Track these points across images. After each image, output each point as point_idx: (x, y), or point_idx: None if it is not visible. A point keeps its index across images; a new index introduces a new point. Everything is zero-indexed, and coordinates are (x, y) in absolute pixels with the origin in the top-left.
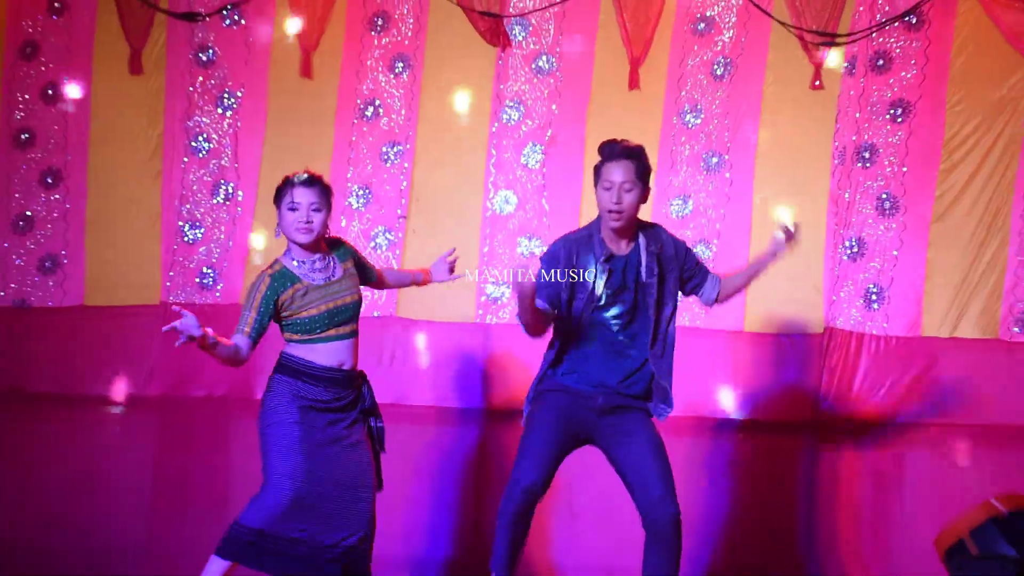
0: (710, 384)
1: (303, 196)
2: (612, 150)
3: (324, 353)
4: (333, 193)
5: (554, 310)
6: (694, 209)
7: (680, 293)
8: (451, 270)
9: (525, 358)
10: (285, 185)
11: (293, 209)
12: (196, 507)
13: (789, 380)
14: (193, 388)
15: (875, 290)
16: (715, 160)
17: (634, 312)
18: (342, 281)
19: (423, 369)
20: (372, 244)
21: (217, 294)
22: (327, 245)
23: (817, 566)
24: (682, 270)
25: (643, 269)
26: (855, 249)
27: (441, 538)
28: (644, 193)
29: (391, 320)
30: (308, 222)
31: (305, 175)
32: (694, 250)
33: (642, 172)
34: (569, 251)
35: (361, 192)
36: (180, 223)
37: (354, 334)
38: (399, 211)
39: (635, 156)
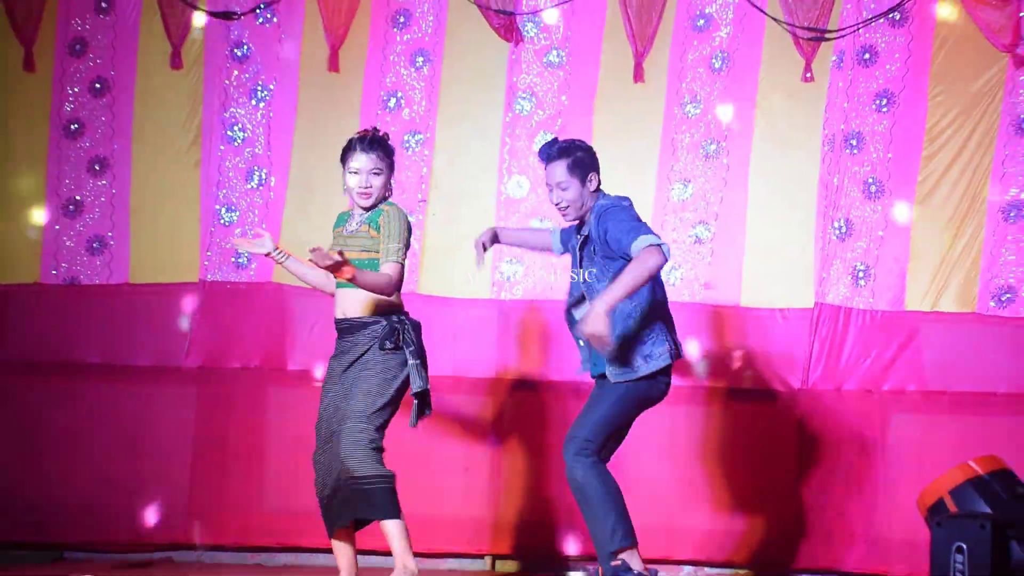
0: (710, 354)
1: (362, 160)
2: (542, 153)
3: (335, 302)
4: (394, 151)
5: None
6: (694, 193)
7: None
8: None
9: (536, 332)
10: (349, 147)
11: (354, 172)
12: (233, 469)
13: (782, 351)
14: (229, 359)
15: (862, 268)
16: (713, 147)
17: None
18: (355, 236)
19: (442, 342)
20: None
21: (251, 273)
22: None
23: (806, 525)
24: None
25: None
26: (843, 230)
27: (468, 496)
28: (586, 184)
29: (412, 296)
30: (367, 187)
31: (369, 138)
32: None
33: (574, 165)
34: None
35: None
36: (217, 207)
37: (356, 287)
38: (420, 196)
39: (564, 154)
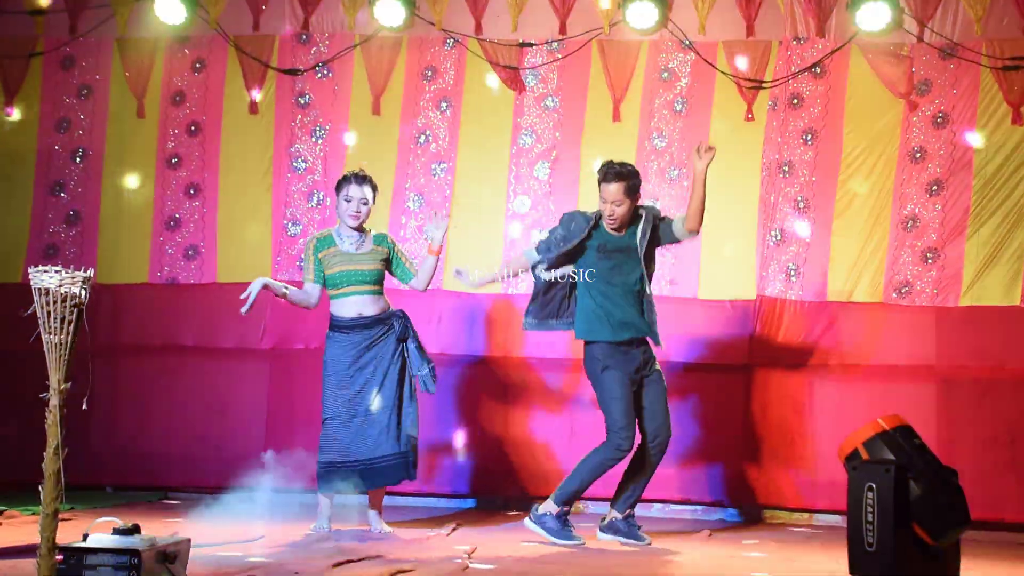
0: (674, 337)
1: (356, 191)
2: (606, 172)
3: (344, 305)
4: (377, 189)
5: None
6: (661, 208)
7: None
8: (437, 217)
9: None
10: (345, 180)
11: (348, 200)
12: (298, 428)
13: (731, 333)
14: (295, 341)
15: (793, 267)
16: (676, 173)
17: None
18: (366, 254)
19: (462, 328)
20: (424, 236)
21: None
22: (370, 231)
23: (751, 470)
24: (656, 232)
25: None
26: (778, 238)
27: (479, 448)
28: (634, 202)
29: (438, 292)
30: (357, 212)
31: (361, 173)
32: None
33: (630, 189)
34: (571, 219)
35: (416, 197)
36: (285, 222)
37: (373, 293)
38: (444, 211)
39: (624, 177)
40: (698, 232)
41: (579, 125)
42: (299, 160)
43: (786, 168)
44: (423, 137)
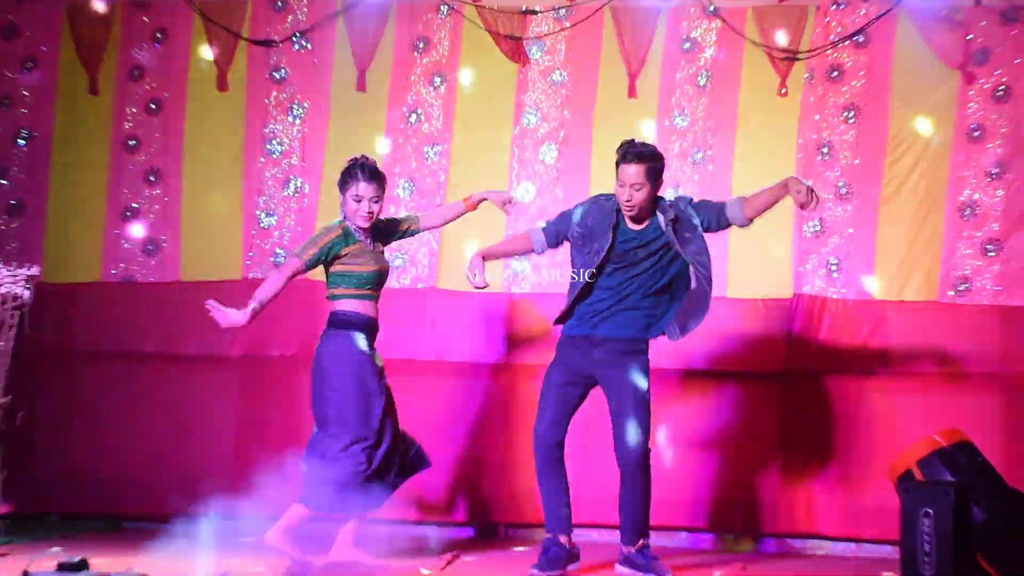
0: (701, 340)
1: (367, 190)
2: (625, 152)
3: (371, 307)
4: (387, 182)
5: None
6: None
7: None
8: (506, 203)
9: (542, 322)
10: (352, 176)
11: (357, 200)
12: (272, 447)
13: (765, 336)
14: (269, 348)
15: (834, 262)
16: (700, 155)
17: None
18: (381, 253)
19: (458, 331)
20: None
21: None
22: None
23: (787, 493)
24: (701, 221)
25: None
26: (818, 228)
27: (474, 472)
28: (655, 188)
29: (431, 291)
30: (369, 212)
31: (370, 168)
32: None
33: (652, 172)
34: (589, 212)
35: (407, 184)
36: (258, 212)
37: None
38: (438, 200)
39: (645, 159)
40: (752, 222)
41: (590, 102)
42: (274, 142)
43: (825, 150)
44: (414, 116)
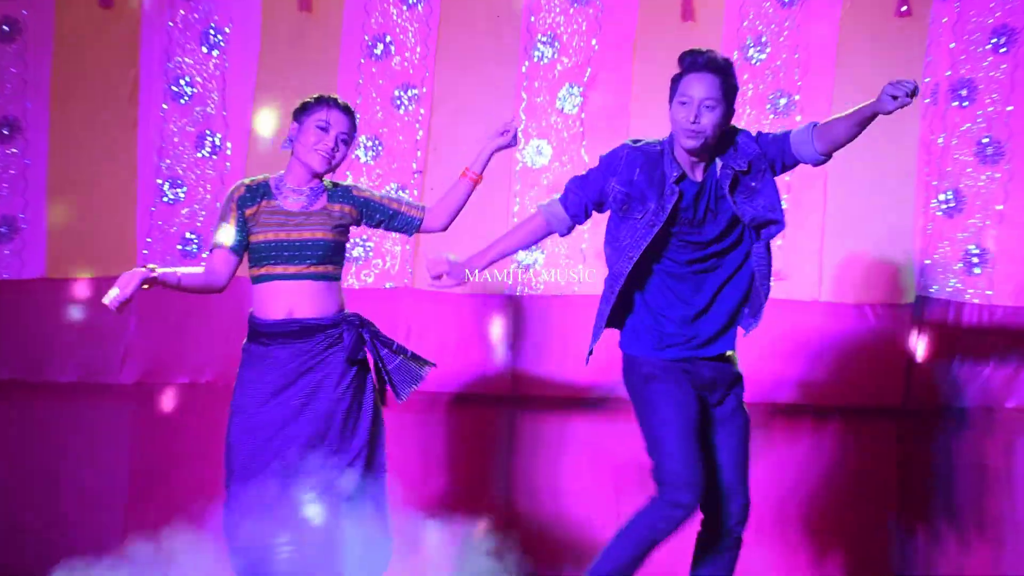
0: (780, 364)
1: (338, 121)
2: (694, 61)
3: (270, 300)
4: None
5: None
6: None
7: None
8: (504, 132)
9: (564, 336)
10: (319, 102)
11: (322, 128)
12: (176, 503)
13: (875, 358)
14: (176, 373)
15: (976, 252)
16: (783, 102)
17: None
18: (315, 215)
19: (443, 350)
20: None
21: (202, 263)
22: (328, 184)
23: (912, 566)
24: (770, 160)
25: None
26: (951, 203)
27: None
28: (728, 114)
29: (405, 293)
30: (333, 149)
31: (345, 103)
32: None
33: (728, 90)
34: (633, 162)
35: (370, 143)
36: (159, 181)
37: (317, 279)
38: (414, 165)
39: (721, 70)
40: (829, 157)
41: (628, 27)
42: (182, 82)
43: (964, 92)
44: (381, 46)
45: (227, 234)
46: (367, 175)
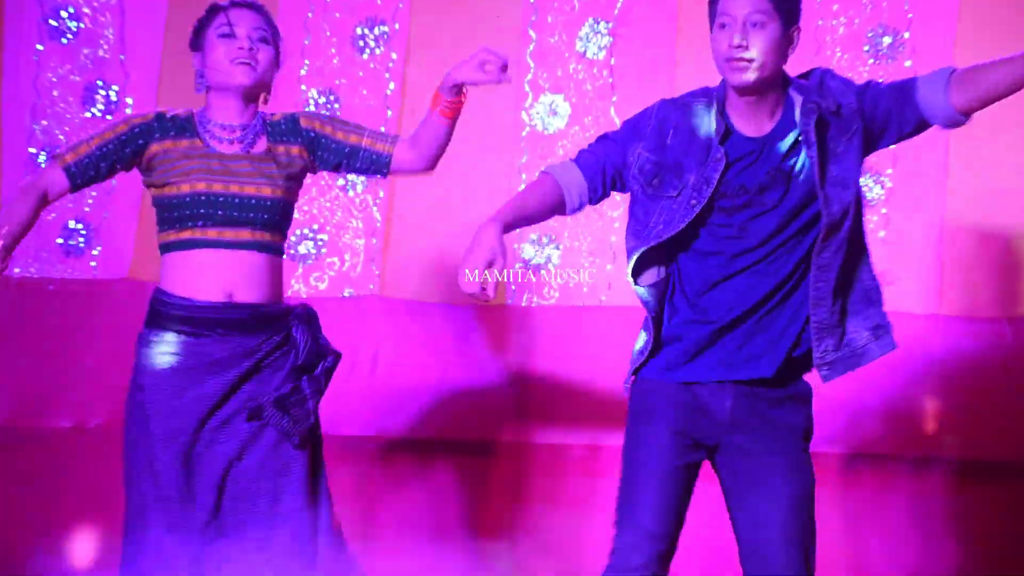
0: (887, 400)
1: (242, 18)
2: None
3: (195, 273)
4: (281, 36)
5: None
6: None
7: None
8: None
9: (584, 362)
10: (208, 13)
11: (228, 35)
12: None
13: (1018, 392)
14: (53, 414)
15: None
16: (888, 40)
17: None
18: (258, 161)
19: (421, 381)
20: (340, 182)
21: (92, 264)
22: (264, 116)
23: None
24: (869, 123)
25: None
26: None
27: None
28: (787, 36)
29: (370, 302)
30: (251, 51)
31: None
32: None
33: (783, 5)
34: (666, 120)
35: (323, 99)
36: (32, 150)
37: (261, 249)
38: (383, 129)
39: None
40: (969, 117)
41: None
42: (64, 14)
43: None
44: None
45: (80, 151)
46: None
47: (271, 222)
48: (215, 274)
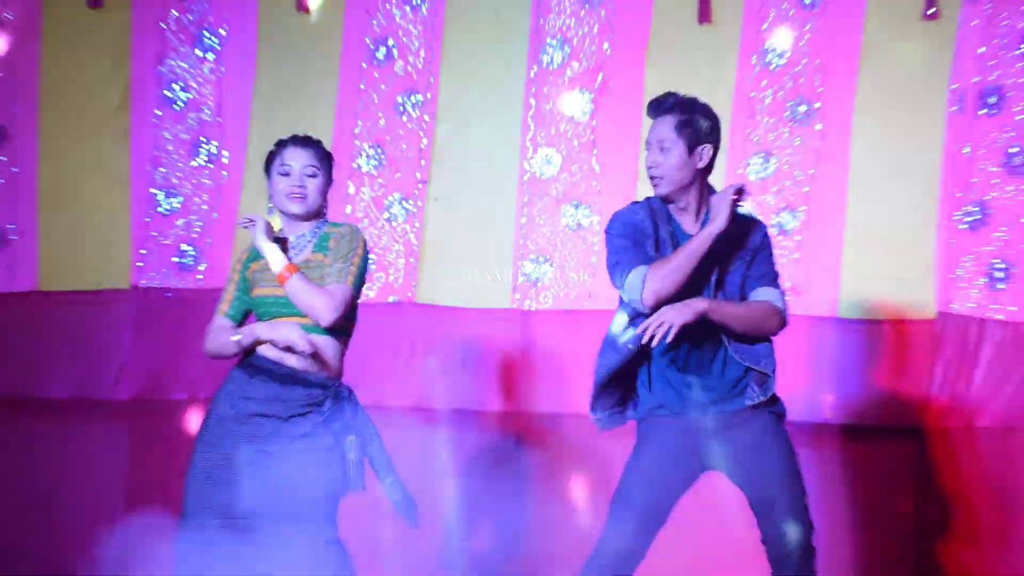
0: (797, 382)
1: (296, 158)
2: (651, 106)
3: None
4: (334, 160)
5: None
6: (777, 170)
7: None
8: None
9: (573, 353)
10: (276, 148)
11: (285, 174)
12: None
13: (893, 376)
14: (173, 388)
15: (1001, 267)
16: (803, 109)
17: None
18: (303, 269)
19: (446, 367)
20: (386, 215)
21: (199, 276)
22: (322, 225)
23: None
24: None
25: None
26: (977, 216)
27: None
28: (695, 156)
29: (408, 307)
30: (300, 186)
31: (299, 136)
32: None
33: (683, 125)
34: (635, 220)
35: (372, 152)
36: (153, 191)
37: (310, 328)
38: (418, 175)
39: (676, 109)
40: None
41: (642, 30)
42: (176, 87)
43: (993, 99)
44: (383, 50)
45: (227, 301)
46: (369, 185)
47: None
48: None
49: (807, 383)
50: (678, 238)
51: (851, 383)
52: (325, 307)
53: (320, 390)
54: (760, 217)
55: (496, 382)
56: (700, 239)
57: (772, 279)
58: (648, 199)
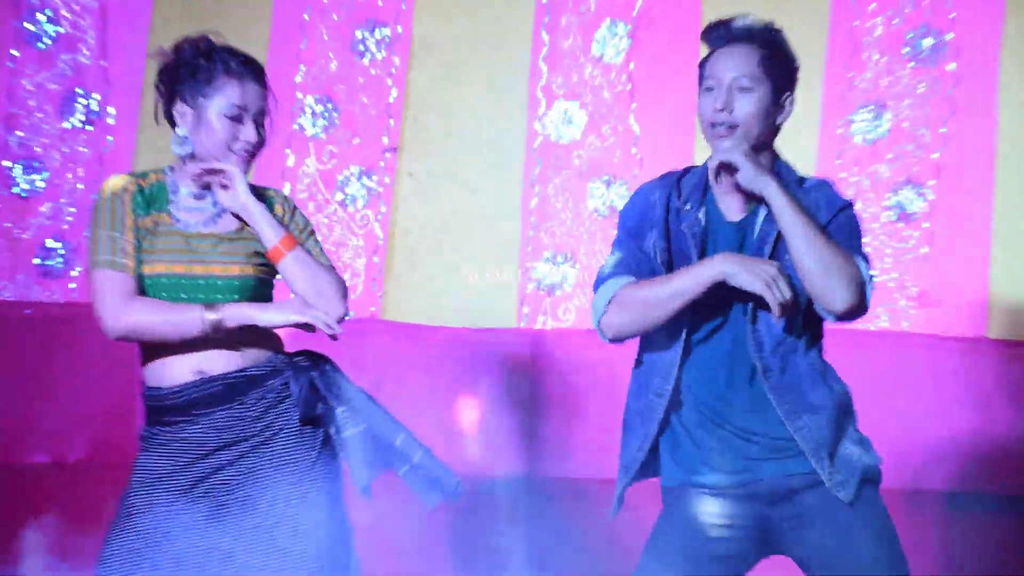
0: (930, 431)
1: (254, 96)
2: (719, 33)
3: (170, 359)
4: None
5: None
6: (893, 128)
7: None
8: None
9: (598, 386)
10: (226, 72)
11: (234, 118)
12: None
13: None
14: (30, 448)
15: None
16: (929, 43)
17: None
18: (232, 240)
19: (426, 406)
20: (340, 196)
21: (72, 285)
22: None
23: None
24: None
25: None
26: None
27: None
28: (776, 101)
29: (372, 324)
30: (257, 144)
31: (245, 57)
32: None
33: (772, 65)
34: (649, 200)
35: (320, 108)
36: (7, 163)
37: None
38: (385, 139)
39: (758, 38)
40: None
41: None
42: (41, 18)
43: None
44: None
45: (127, 252)
46: (316, 154)
47: (246, 294)
48: (180, 353)
49: (945, 433)
50: (711, 232)
51: (1011, 434)
52: (338, 294)
53: (275, 377)
54: (833, 184)
55: (496, 446)
56: (700, 274)
57: (854, 249)
58: (684, 170)
